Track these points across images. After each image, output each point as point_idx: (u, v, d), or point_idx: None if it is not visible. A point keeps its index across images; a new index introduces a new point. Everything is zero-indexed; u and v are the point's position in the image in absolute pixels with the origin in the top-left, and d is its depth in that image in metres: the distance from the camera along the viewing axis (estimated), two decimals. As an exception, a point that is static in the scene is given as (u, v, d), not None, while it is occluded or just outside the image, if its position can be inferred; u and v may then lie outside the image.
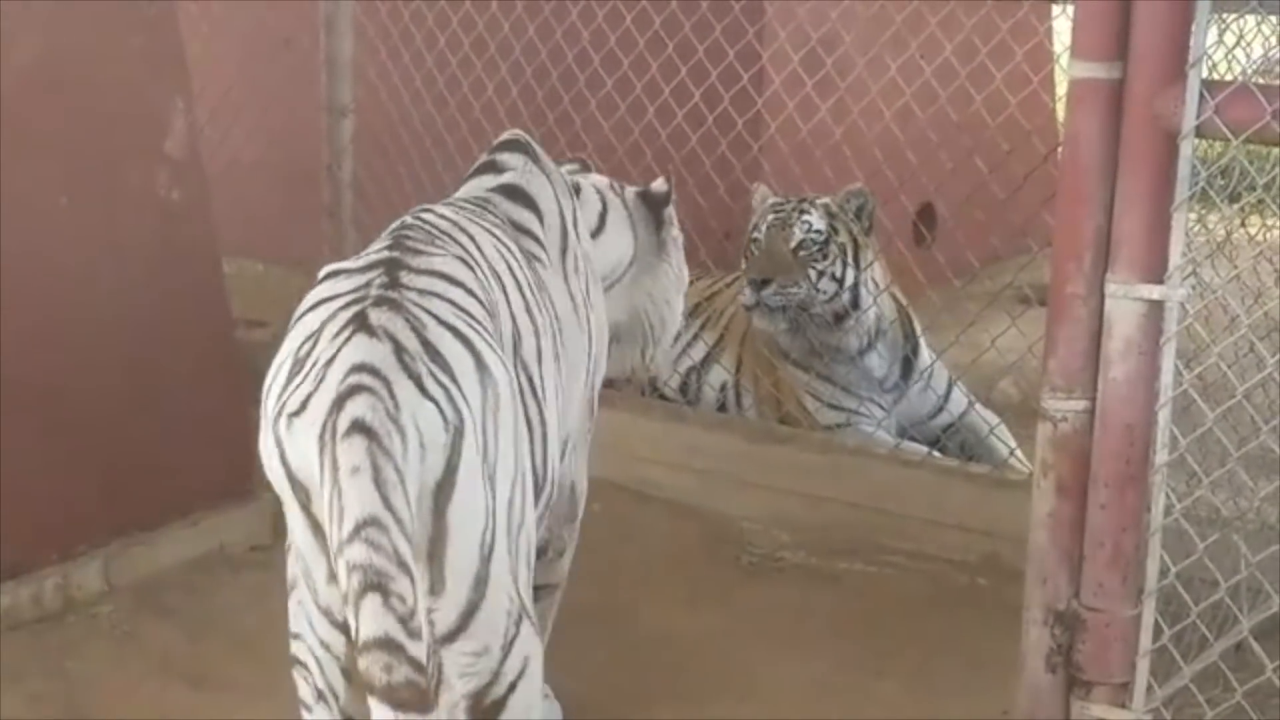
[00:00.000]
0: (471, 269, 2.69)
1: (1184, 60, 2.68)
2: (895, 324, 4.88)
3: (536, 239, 3.08)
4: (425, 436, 2.38)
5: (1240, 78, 2.91)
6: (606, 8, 5.08)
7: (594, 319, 3.17)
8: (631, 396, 4.83)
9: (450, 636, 2.47)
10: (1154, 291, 2.77)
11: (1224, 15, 2.91)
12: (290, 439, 2.42)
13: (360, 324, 2.45)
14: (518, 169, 3.16)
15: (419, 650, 2.26)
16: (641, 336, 3.54)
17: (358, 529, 2.28)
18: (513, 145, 3.21)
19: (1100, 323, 2.84)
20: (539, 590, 3.06)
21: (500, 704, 2.52)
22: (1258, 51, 3.19)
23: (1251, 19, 3.10)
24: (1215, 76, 2.81)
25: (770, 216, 4.81)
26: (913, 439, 4.81)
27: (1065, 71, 2.88)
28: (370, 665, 2.25)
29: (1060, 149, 2.90)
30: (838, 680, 3.68)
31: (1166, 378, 2.79)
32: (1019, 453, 4.64)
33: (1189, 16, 2.68)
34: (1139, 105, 2.73)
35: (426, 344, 2.45)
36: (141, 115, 4.14)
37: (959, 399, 4.90)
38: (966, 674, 3.62)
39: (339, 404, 2.36)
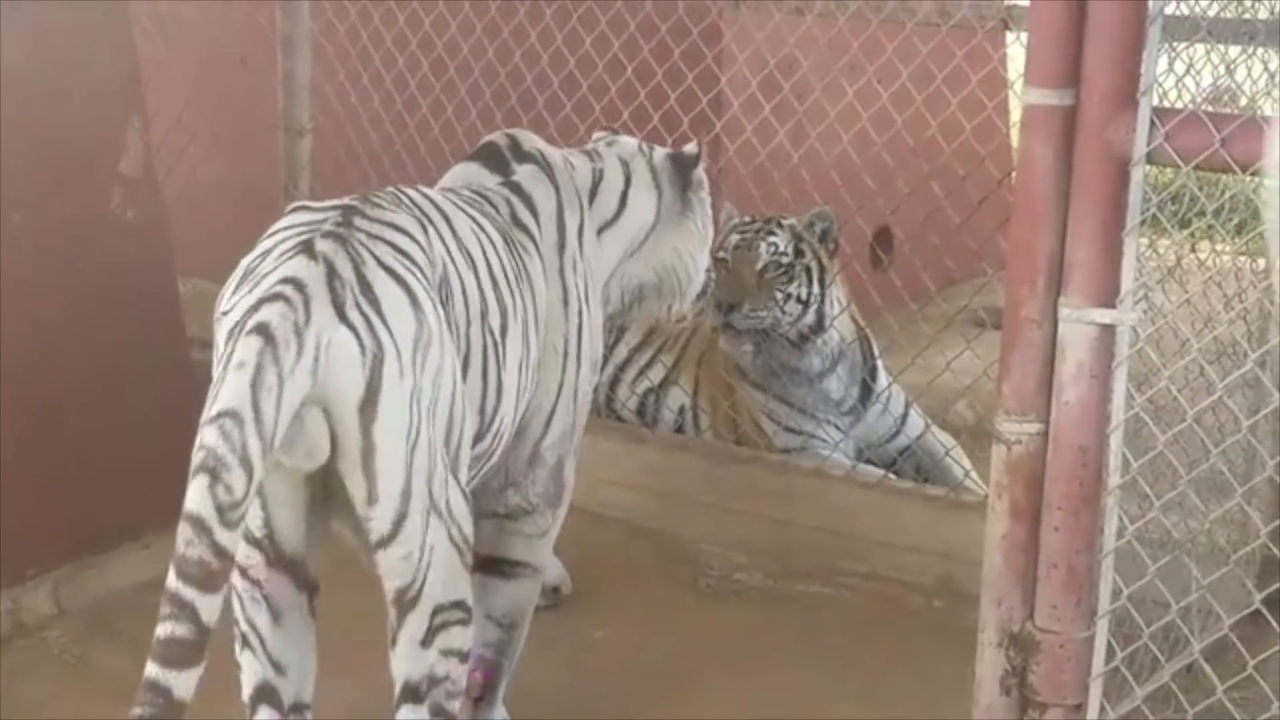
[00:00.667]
0: (426, 231, 2.94)
1: (1135, 88, 2.71)
2: (854, 345, 4.90)
3: (529, 233, 3.35)
4: (328, 357, 2.60)
5: (1190, 105, 2.95)
6: (565, 29, 5.10)
7: (587, 318, 3.41)
8: (589, 417, 4.83)
9: (385, 542, 2.74)
10: (1106, 316, 2.79)
11: (1174, 44, 2.94)
12: (218, 334, 2.69)
13: (304, 248, 2.72)
14: (525, 175, 3.44)
15: (226, 538, 2.46)
16: (668, 291, 3.77)
17: (219, 415, 2.50)
18: (527, 156, 3.48)
19: (1054, 346, 2.85)
20: (515, 567, 3.40)
21: (417, 596, 2.80)
22: (1207, 80, 3.23)
23: (1201, 47, 3.14)
24: (1166, 104, 2.84)
25: (735, 237, 4.83)
26: (869, 461, 4.83)
27: (1019, 98, 2.91)
28: (179, 535, 2.46)
29: (1014, 174, 2.93)
30: (794, 702, 3.69)
31: (1118, 401, 2.81)
32: (974, 475, 4.67)
33: (1140, 45, 2.71)
34: (1091, 132, 2.76)
35: (361, 277, 2.70)
36: (96, 134, 4.13)
37: (915, 421, 4.93)
38: (922, 695, 3.64)
39: (256, 307, 2.61)
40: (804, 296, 4.77)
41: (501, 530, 3.40)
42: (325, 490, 2.78)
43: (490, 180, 3.44)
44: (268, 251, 2.78)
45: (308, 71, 5.35)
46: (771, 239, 4.78)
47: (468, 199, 3.31)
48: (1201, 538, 3.36)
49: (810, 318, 4.78)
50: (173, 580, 2.45)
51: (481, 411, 3.05)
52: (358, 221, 2.84)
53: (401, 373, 2.68)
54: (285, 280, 2.66)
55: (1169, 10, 2.78)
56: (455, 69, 5.30)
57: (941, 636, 3.91)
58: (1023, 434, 2.90)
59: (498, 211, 3.33)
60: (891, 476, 4.64)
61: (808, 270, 4.77)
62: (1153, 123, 2.70)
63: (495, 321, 3.08)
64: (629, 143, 3.78)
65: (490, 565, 3.38)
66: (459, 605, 2.86)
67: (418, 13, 5.32)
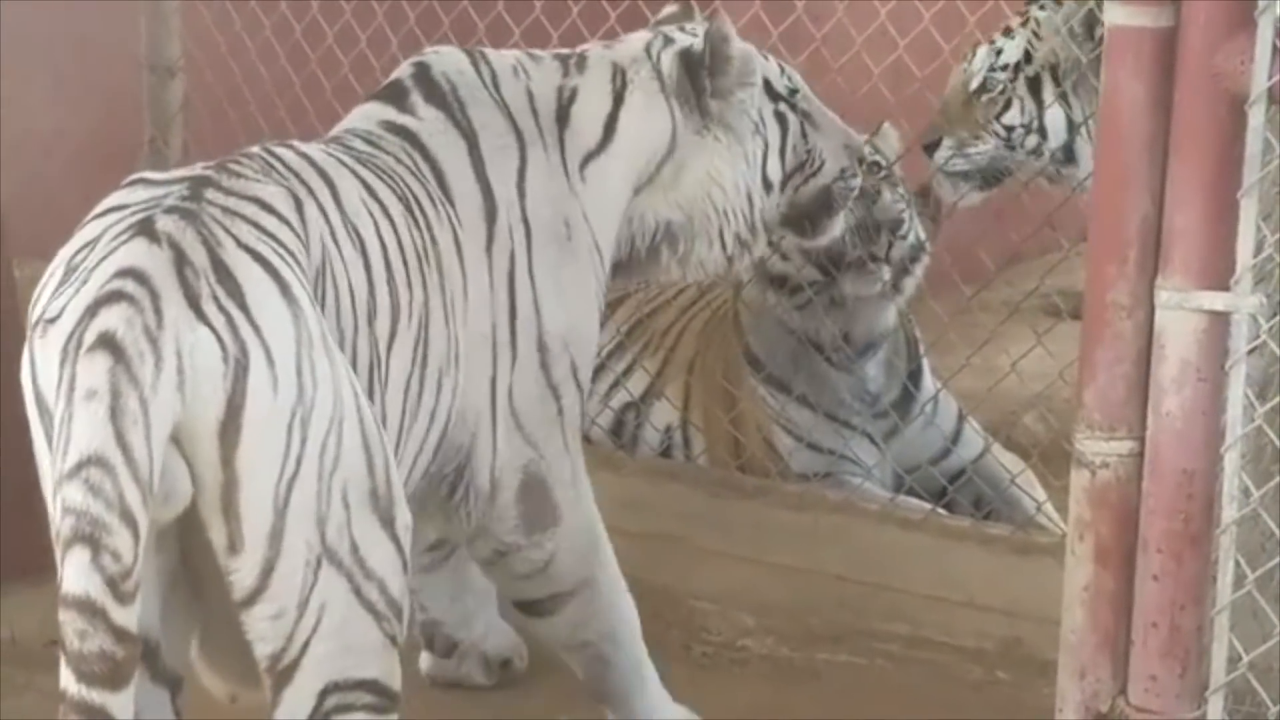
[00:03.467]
0: (300, 207, 2.93)
1: (1252, 3, 2.71)
2: (898, 327, 4.92)
3: (442, 197, 3.36)
4: (190, 366, 2.60)
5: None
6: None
7: (545, 288, 3.43)
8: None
9: (250, 598, 2.73)
10: (1218, 300, 2.80)
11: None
12: (41, 350, 2.65)
13: (143, 229, 2.69)
14: (426, 121, 3.44)
15: (125, 617, 2.49)
16: (703, 231, 3.73)
17: (79, 466, 2.50)
18: (434, 91, 3.47)
19: (1150, 341, 2.87)
20: (542, 603, 3.58)
21: (293, 667, 2.77)
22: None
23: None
24: (1293, 24, 2.85)
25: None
26: (912, 492, 4.84)
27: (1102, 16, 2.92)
28: (65, 625, 2.48)
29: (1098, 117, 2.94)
30: (817, 806, 3.69)
31: (1234, 411, 2.81)
32: (1048, 508, 4.67)
33: (1258, -53, 2.72)
34: (1195, 61, 2.77)
35: (218, 263, 2.69)
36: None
37: (971, 438, 4.94)
38: (983, 795, 3.65)
39: (92, 311, 2.59)
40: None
41: (500, 576, 3.57)
42: (188, 548, 2.77)
43: (384, 127, 3.44)
44: (95, 240, 2.73)
45: (179, -9, 5.34)
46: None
47: (361, 154, 3.30)
48: (1343, 587, 3.36)
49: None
50: (73, 685, 2.48)
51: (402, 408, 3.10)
52: (210, 194, 2.82)
53: (275, 385, 2.66)
54: (123, 272, 2.63)
55: (1296, -98, 2.78)
56: (370, -13, 5.28)
57: (1007, 717, 3.89)
58: (1111, 455, 2.91)
59: (397, 170, 3.33)
60: (942, 511, 4.65)
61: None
62: (1276, 48, 2.70)
63: (382, 328, 3.07)
64: (632, 45, 3.76)
65: (523, 607, 3.60)
66: (369, 687, 2.84)
67: (320, -86, 5.32)
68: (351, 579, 2.79)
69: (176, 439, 2.61)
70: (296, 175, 3.04)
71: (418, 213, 3.27)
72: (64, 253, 2.76)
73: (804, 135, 3.83)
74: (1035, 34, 4.73)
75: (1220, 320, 2.82)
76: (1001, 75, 4.67)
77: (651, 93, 3.67)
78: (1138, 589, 2.92)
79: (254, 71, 5.58)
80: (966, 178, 4.68)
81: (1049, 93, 4.66)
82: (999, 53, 4.70)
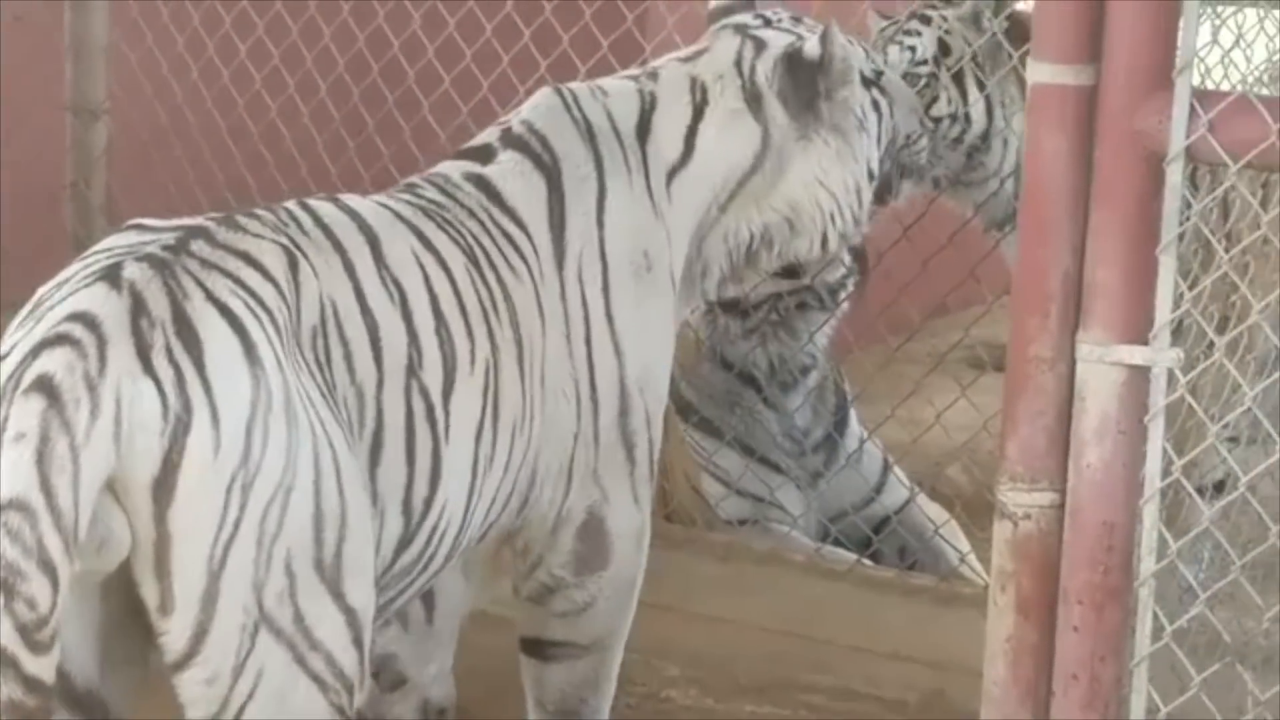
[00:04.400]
0: (294, 265, 2.86)
1: (1170, 64, 2.76)
2: (825, 363, 4.94)
3: (514, 247, 3.30)
4: (129, 417, 2.56)
5: (1239, 86, 3.00)
6: (459, 14, 5.09)
7: (618, 331, 3.38)
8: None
9: (181, 662, 2.67)
10: (1137, 355, 2.83)
11: (1219, 9, 3.00)
12: None
13: (108, 274, 2.66)
14: (503, 163, 3.38)
15: (40, 668, 2.45)
16: (806, 230, 3.65)
17: (1, 510, 2.46)
18: (508, 132, 3.43)
19: (1071, 394, 2.89)
20: (556, 648, 3.52)
21: None
22: (1260, 54, 3.29)
23: (1252, 13, 3.20)
24: (1209, 85, 2.89)
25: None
26: (838, 542, 4.86)
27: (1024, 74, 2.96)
28: None
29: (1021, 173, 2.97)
30: None
31: (1153, 464, 2.84)
32: (971, 559, 4.70)
33: (1176, 10, 2.75)
34: (1115, 120, 2.80)
35: (180, 315, 2.65)
36: None
37: (895, 488, 4.97)
38: (905, 847, 3.66)
39: (35, 352, 2.56)
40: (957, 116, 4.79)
41: (533, 607, 3.48)
42: (129, 602, 2.71)
43: (461, 175, 3.38)
44: (66, 280, 2.72)
45: (104, 34, 5.32)
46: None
47: (428, 204, 3.25)
48: (1259, 640, 3.39)
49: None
50: None
51: (405, 506, 3.00)
52: (196, 245, 2.79)
53: (217, 447, 2.61)
54: (75, 316, 2.61)
55: (1213, -36, 2.84)
56: (299, 32, 5.28)
57: (931, 769, 3.93)
58: (1032, 506, 2.93)
59: (467, 223, 3.27)
60: (867, 562, 4.67)
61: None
62: (1193, 109, 2.74)
63: (433, 378, 3.04)
64: (717, 57, 3.63)
65: (530, 646, 3.50)
66: None
67: (250, -41, 5.32)
68: (294, 648, 2.73)
69: (113, 490, 2.57)
70: (320, 230, 3.00)
71: (485, 265, 3.22)
72: (41, 290, 2.74)
73: (891, 114, 3.78)
74: (945, 30, 4.78)
75: (1140, 374, 2.84)
76: (923, 70, 4.70)
77: (735, 108, 3.58)
78: (1059, 640, 2.93)
79: (180, 115, 5.56)
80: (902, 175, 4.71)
81: (971, 82, 4.70)
82: (913, 50, 4.73)
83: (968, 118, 4.69)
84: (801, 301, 4.85)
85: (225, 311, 2.69)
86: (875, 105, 3.71)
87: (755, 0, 3.83)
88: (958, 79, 4.72)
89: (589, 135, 3.47)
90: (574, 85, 3.56)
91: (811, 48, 3.58)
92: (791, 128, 3.58)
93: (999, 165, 4.71)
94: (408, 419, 2.99)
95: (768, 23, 3.71)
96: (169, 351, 2.61)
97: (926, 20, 4.83)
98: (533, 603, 3.49)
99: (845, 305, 4.88)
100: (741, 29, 3.67)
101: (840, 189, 3.63)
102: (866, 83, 3.70)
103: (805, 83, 3.57)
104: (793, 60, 3.58)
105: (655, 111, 3.55)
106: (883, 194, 3.85)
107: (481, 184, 3.36)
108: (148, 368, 2.59)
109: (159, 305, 2.65)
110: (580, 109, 3.49)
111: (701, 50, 3.67)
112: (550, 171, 3.41)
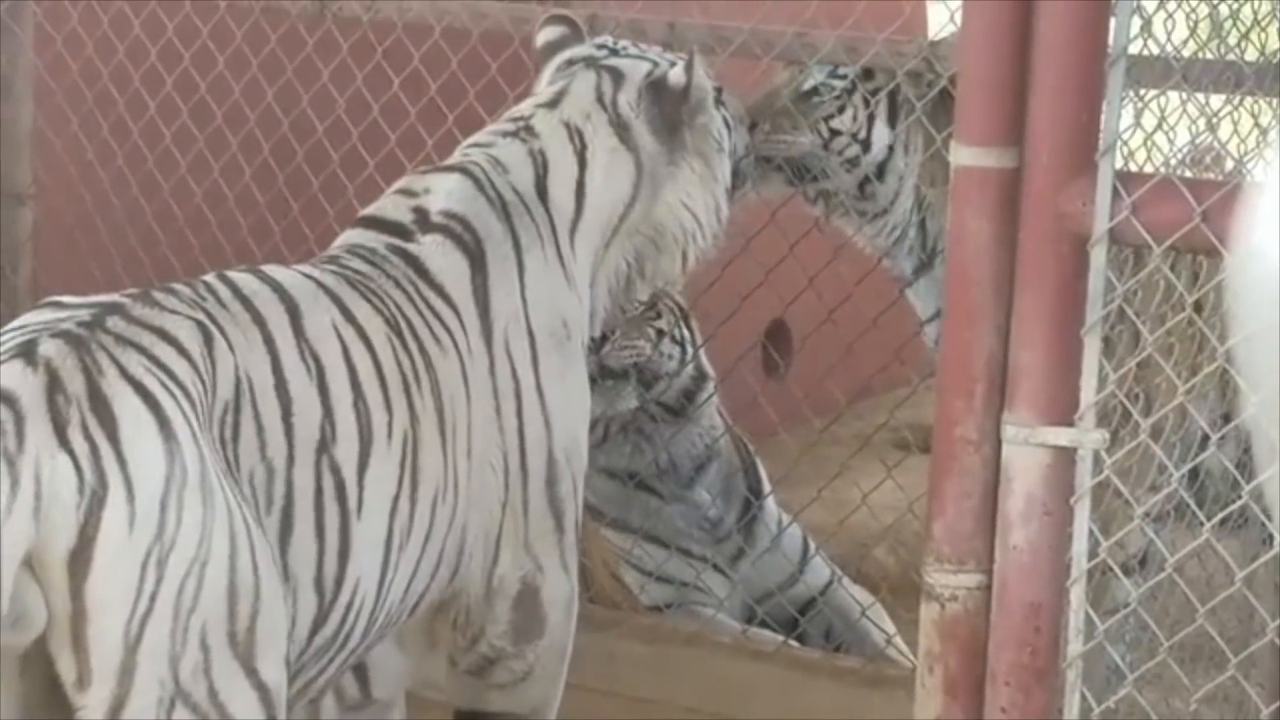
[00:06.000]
0: (210, 340, 2.88)
1: (1093, 147, 2.77)
2: (730, 452, 4.93)
3: (439, 321, 3.30)
4: (46, 492, 2.58)
5: (1163, 169, 3.01)
6: (367, 67, 5.09)
7: (552, 396, 3.39)
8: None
9: None
10: (1062, 436, 2.83)
11: (1142, 92, 3.02)
12: None
13: (23, 351, 2.69)
14: (426, 244, 3.38)
15: None
16: (670, 246, 3.69)
17: None
18: (426, 223, 3.41)
19: (997, 475, 2.89)
20: (476, 715, 3.49)
21: None
22: (1183, 137, 3.31)
23: (1175, 96, 3.22)
24: (1132, 168, 2.90)
25: None
26: (764, 623, 4.83)
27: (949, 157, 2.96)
28: None
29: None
30: None
31: (1080, 546, 2.84)
32: (898, 640, 4.68)
33: (1098, 92, 2.78)
34: (1039, 202, 2.82)
35: (95, 392, 2.67)
36: None
37: (821, 568, 4.95)
38: None
39: None
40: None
41: (472, 680, 3.45)
42: (48, 676, 2.71)
43: (386, 248, 3.38)
44: None
45: (29, 120, 5.29)
46: None
47: (353, 275, 3.25)
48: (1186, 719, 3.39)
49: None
50: None
51: (318, 584, 3.01)
52: (111, 322, 2.81)
53: (132, 522, 2.64)
54: None
55: (1134, 49, 2.84)
56: (223, 117, 5.27)
57: None
58: (959, 588, 2.93)
59: (393, 291, 3.27)
60: (794, 643, 4.65)
61: None
62: (1116, 191, 2.76)
63: (347, 452, 3.04)
64: (578, 96, 3.64)
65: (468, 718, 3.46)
66: None
67: (174, 45, 5.29)
68: (201, 709, 2.74)
69: (30, 564, 2.59)
70: (239, 302, 3.01)
71: (408, 335, 3.22)
72: None
73: (734, 128, 3.84)
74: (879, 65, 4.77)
75: (1065, 455, 2.85)
76: (839, 84, 4.69)
77: (610, 145, 3.61)
78: (987, 722, 2.93)
79: (105, 200, 5.53)
80: (778, 168, 4.69)
81: (882, 113, 4.70)
82: (837, 64, 4.74)
83: (867, 144, 4.68)
84: (652, 415, 4.85)
85: (140, 388, 2.71)
86: (726, 123, 3.78)
87: (583, 29, 3.86)
88: (869, 104, 4.72)
89: (504, 213, 3.48)
90: (478, 161, 3.54)
91: (676, 76, 3.63)
92: (660, 154, 3.63)
93: (891, 203, 4.69)
94: (317, 495, 3.00)
95: (614, 52, 3.74)
96: (84, 427, 2.64)
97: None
98: (471, 675, 3.47)
99: (709, 410, 4.86)
100: (593, 62, 3.71)
101: (703, 210, 3.69)
102: (718, 103, 3.76)
103: (670, 111, 3.63)
104: (658, 88, 3.63)
105: (549, 172, 3.56)
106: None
107: (408, 258, 3.36)
108: (64, 443, 2.62)
109: (74, 382, 2.67)
110: (494, 188, 3.50)
111: (560, 91, 3.68)
112: (473, 252, 3.41)
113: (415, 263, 3.36)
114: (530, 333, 3.41)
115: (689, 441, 4.86)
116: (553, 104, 3.65)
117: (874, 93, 4.61)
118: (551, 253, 3.50)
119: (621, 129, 3.62)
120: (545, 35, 3.84)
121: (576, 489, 3.48)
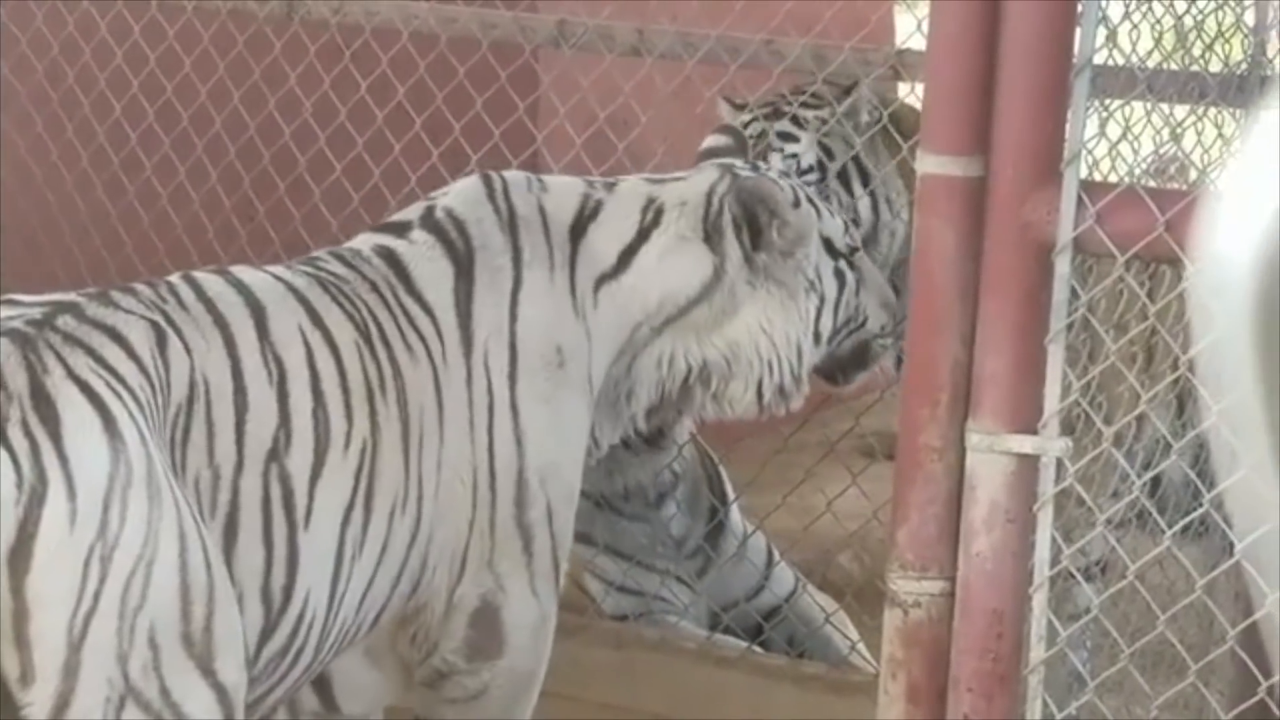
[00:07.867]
0: (163, 341, 2.87)
1: (1058, 157, 2.79)
2: (695, 464, 4.93)
3: (415, 328, 3.27)
4: None
5: (1127, 179, 3.03)
6: (334, 71, 5.09)
7: (528, 417, 3.33)
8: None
9: None
10: (1026, 444, 2.84)
11: (1106, 102, 3.04)
12: None
13: None
14: (415, 244, 3.36)
15: None
16: (743, 376, 3.62)
17: None
18: (429, 214, 3.41)
19: (960, 483, 2.90)
20: None
21: None
22: (1147, 147, 3.33)
23: (1140, 107, 3.23)
24: (1097, 177, 2.92)
25: None
26: (729, 631, 4.84)
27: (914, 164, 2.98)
28: None
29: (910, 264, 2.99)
30: None
31: (1042, 553, 2.86)
32: (861, 647, 4.69)
33: (1064, 103, 2.79)
34: (1004, 211, 2.83)
35: (38, 389, 2.69)
36: None
37: (785, 576, 4.95)
38: None
39: None
40: None
41: (427, 692, 3.44)
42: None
43: (371, 248, 3.36)
44: None
45: (-6, 120, 5.29)
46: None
47: (326, 277, 3.22)
48: (1148, 727, 3.40)
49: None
50: None
51: (264, 594, 2.99)
52: (62, 321, 2.81)
53: (73, 519, 2.64)
54: None
55: (1099, 60, 2.86)
56: (190, 120, 5.27)
57: None
58: (922, 595, 2.94)
59: (366, 297, 3.25)
60: (758, 649, 4.66)
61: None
62: (1080, 200, 2.77)
63: (300, 461, 3.02)
64: (694, 183, 3.62)
65: None
66: None
67: (140, 47, 5.29)
68: (152, 709, 2.74)
69: None
70: (202, 305, 3.00)
71: (377, 340, 3.20)
72: None
73: (856, 292, 3.76)
74: (823, 133, 4.75)
75: (1029, 463, 2.86)
76: (810, 179, 4.69)
77: (685, 235, 3.56)
78: (949, 728, 2.94)
79: (70, 202, 5.53)
80: None
81: (856, 179, 4.70)
82: (795, 158, 4.72)
83: (856, 220, 4.69)
84: (627, 443, 4.85)
85: (85, 387, 2.72)
86: (839, 276, 3.71)
87: (749, 150, 3.86)
88: (843, 180, 4.72)
89: (510, 225, 3.44)
90: (511, 174, 3.55)
91: (778, 195, 3.59)
92: (745, 269, 3.58)
93: (886, 257, 4.71)
94: (264, 503, 2.98)
95: (755, 169, 3.75)
96: (24, 425, 2.65)
97: (800, 123, 4.81)
98: (426, 687, 3.46)
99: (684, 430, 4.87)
100: (728, 168, 3.69)
101: (781, 340, 3.61)
102: (835, 253, 3.70)
103: (763, 229, 3.57)
104: (754, 199, 3.56)
105: (596, 218, 3.53)
106: (832, 372, 3.86)
107: (391, 259, 3.34)
108: (2, 440, 2.63)
109: (17, 380, 2.69)
110: (507, 199, 3.47)
111: (678, 177, 3.68)
112: (460, 258, 3.38)
113: (397, 265, 3.33)
114: (513, 348, 3.36)
115: (658, 467, 4.85)
116: (656, 181, 3.66)
117: (842, 171, 4.63)
118: (562, 281, 3.45)
119: (714, 229, 3.57)
120: (709, 142, 3.86)
121: (553, 515, 3.42)
